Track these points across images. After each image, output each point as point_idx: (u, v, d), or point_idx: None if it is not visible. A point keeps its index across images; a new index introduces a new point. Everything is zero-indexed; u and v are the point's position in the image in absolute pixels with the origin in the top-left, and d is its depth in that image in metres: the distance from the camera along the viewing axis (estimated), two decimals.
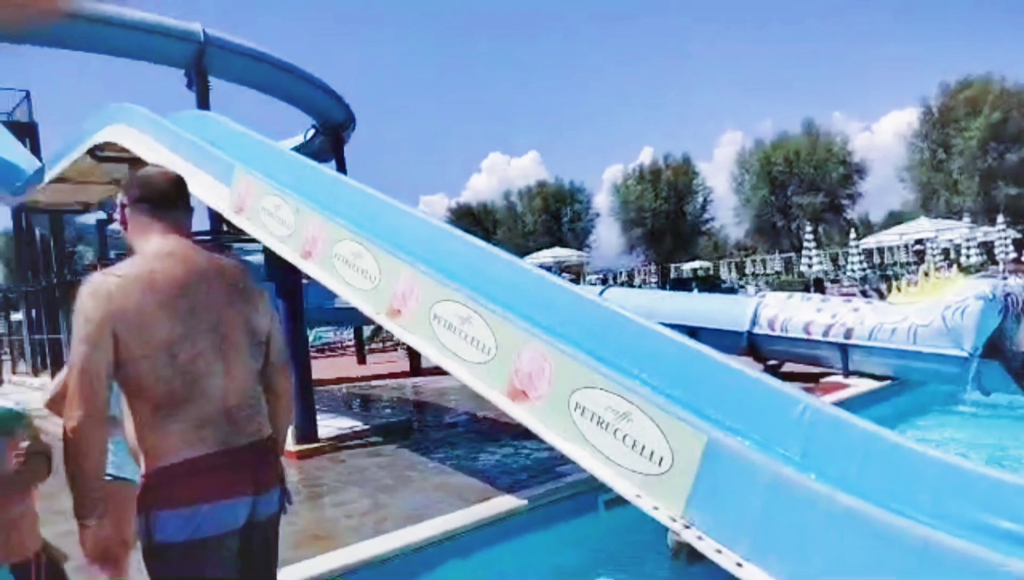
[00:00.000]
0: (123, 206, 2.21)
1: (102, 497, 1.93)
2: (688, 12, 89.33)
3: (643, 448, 3.84)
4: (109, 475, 2.61)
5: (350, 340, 19.69)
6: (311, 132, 18.54)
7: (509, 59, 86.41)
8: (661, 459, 3.77)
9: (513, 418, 4.56)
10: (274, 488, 2.07)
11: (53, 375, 14.76)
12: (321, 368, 12.74)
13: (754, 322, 9.71)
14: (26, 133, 20.58)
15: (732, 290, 27.40)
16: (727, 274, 45.22)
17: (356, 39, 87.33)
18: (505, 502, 4.80)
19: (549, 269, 30.32)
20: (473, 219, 60.52)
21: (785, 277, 38.13)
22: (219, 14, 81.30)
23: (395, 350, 18.20)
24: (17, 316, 21.07)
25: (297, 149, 18.45)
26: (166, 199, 2.17)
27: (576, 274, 37.26)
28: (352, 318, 14.40)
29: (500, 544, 4.46)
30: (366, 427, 7.99)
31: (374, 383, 12.89)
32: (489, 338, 4.81)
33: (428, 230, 6.41)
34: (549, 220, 58.84)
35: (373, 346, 19.23)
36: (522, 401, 4.49)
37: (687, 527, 3.51)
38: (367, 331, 17.76)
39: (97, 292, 1.88)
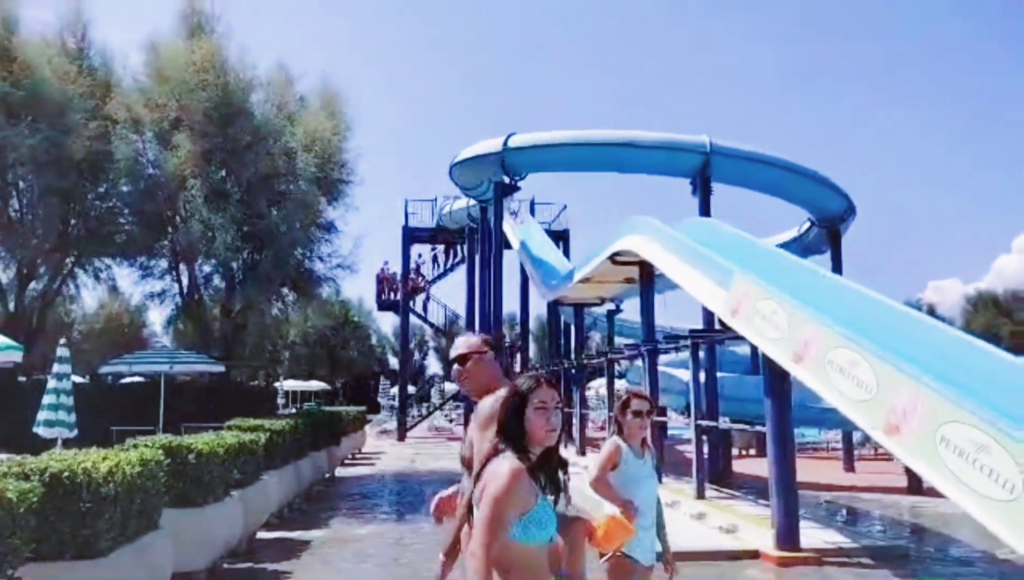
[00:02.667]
0: (481, 353, 2.72)
1: None
2: None
3: None
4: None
5: (836, 442, 18.43)
6: (806, 225, 18.40)
7: None
8: None
9: None
10: None
11: (567, 444, 17.11)
12: (803, 470, 12.27)
13: None
14: (561, 238, 25.35)
15: None
16: None
17: (848, 119, 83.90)
18: None
19: None
20: (997, 309, 50.98)
21: None
22: (721, 125, 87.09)
23: (889, 459, 16.37)
24: None
25: (790, 242, 18.55)
26: (499, 349, 2.88)
27: None
28: (840, 420, 13.59)
29: None
30: (854, 545, 7.44)
31: (864, 496, 11.84)
32: (1014, 473, 4.17)
33: (939, 337, 5.90)
34: None
35: (863, 452, 17.63)
36: None
37: None
38: (857, 435, 16.42)
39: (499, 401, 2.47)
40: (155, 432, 9.29)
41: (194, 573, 5.84)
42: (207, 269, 18.58)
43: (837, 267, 17.10)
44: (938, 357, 5.32)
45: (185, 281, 18.67)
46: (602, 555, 3.19)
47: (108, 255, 18.08)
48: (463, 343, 2.80)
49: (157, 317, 27.30)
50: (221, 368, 15.17)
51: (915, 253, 79.26)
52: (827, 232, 17.66)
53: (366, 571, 6.72)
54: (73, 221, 17.57)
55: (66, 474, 3.99)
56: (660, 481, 3.58)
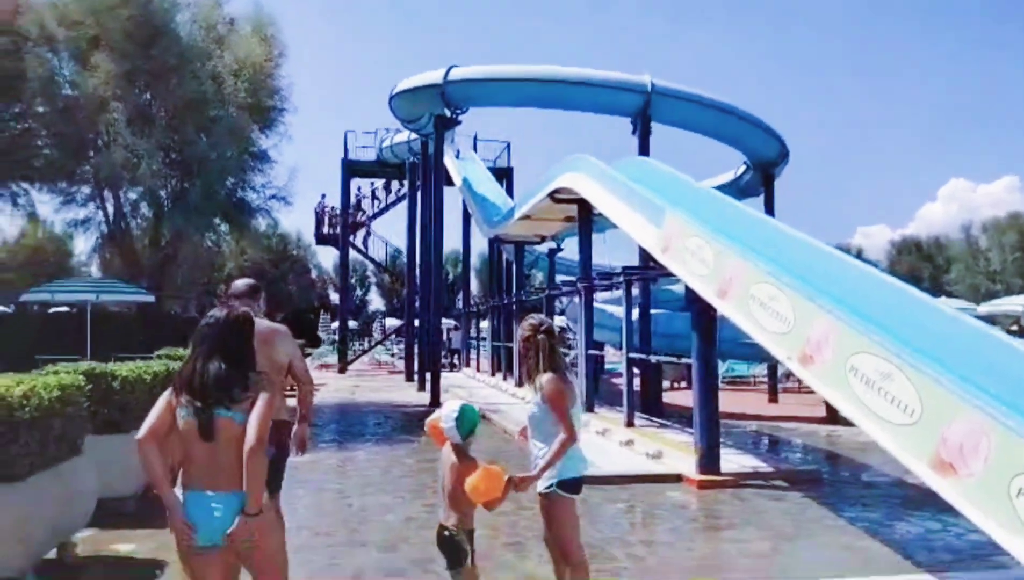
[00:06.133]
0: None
1: None
2: None
3: None
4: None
5: (764, 376, 19.26)
6: (742, 168, 18.73)
7: (986, 63, 73.84)
8: None
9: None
10: None
11: (505, 377, 17.46)
12: (730, 401, 12.83)
13: None
14: (504, 176, 25.21)
15: None
16: None
17: (787, 66, 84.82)
18: None
19: (1019, 319, 25.24)
20: (920, 254, 53.36)
21: None
22: (664, 64, 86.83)
23: (812, 392, 17.22)
24: (484, 324, 25.61)
25: (726, 185, 18.88)
26: (240, 296, 4.15)
27: None
28: (766, 354, 14.20)
29: None
30: (771, 469, 7.88)
31: (784, 425, 12.49)
32: (914, 399, 4.45)
33: (854, 274, 6.16)
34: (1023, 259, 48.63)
35: (788, 386, 18.50)
36: (948, 475, 4.06)
37: None
38: (781, 369, 17.18)
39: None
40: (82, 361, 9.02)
41: (122, 499, 5.82)
42: (133, 196, 17.80)
43: (770, 210, 17.52)
44: (852, 293, 5.56)
45: (111, 209, 17.87)
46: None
47: (26, 179, 17.08)
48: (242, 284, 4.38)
49: (83, 246, 26.18)
50: (151, 298, 14.74)
51: (846, 200, 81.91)
52: (761, 175, 18.03)
53: (298, 496, 6.80)
54: None
55: None
56: (532, 417, 3.60)
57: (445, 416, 3.32)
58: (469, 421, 3.32)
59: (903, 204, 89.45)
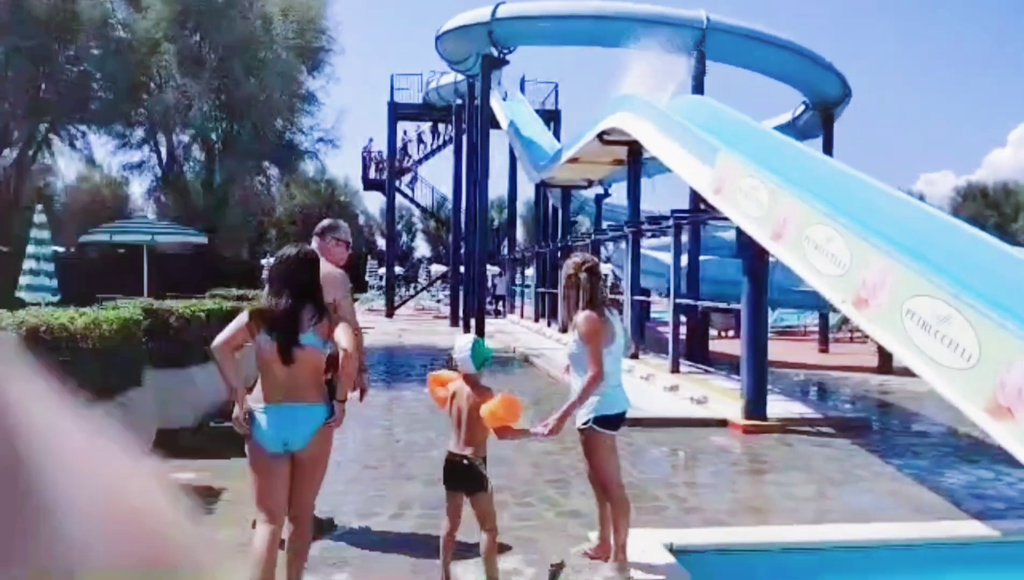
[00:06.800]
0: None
1: None
2: None
3: None
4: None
5: (814, 325, 18.90)
6: (800, 108, 18.04)
7: None
8: None
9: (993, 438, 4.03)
10: None
11: (549, 323, 17.54)
12: (779, 350, 12.64)
13: None
14: (552, 119, 24.79)
15: None
16: None
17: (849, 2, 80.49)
18: (970, 527, 4.30)
19: None
20: (986, 201, 51.17)
21: None
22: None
23: (864, 342, 16.83)
24: (529, 271, 25.60)
25: (784, 127, 18.22)
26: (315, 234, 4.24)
27: None
28: (817, 303, 13.88)
29: (957, 569, 4.04)
30: (819, 416, 7.77)
31: (834, 374, 12.28)
32: (972, 343, 4.30)
33: (918, 216, 5.93)
34: None
35: (839, 335, 18.13)
36: (1006, 419, 3.94)
37: None
38: (833, 318, 16.81)
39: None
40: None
41: (180, 431, 6.06)
42: (185, 139, 18.13)
43: (828, 154, 16.88)
44: (913, 235, 5.35)
45: (164, 152, 18.25)
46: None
47: (83, 122, 17.50)
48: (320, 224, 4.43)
49: (138, 189, 26.91)
50: (204, 239, 15.12)
51: (909, 145, 78.52)
52: (821, 116, 17.32)
53: (348, 431, 6.98)
54: (43, 85, 16.88)
55: (43, 328, 4.04)
56: (572, 355, 3.70)
57: (459, 348, 3.39)
58: (481, 353, 3.37)
59: (970, 149, 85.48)
